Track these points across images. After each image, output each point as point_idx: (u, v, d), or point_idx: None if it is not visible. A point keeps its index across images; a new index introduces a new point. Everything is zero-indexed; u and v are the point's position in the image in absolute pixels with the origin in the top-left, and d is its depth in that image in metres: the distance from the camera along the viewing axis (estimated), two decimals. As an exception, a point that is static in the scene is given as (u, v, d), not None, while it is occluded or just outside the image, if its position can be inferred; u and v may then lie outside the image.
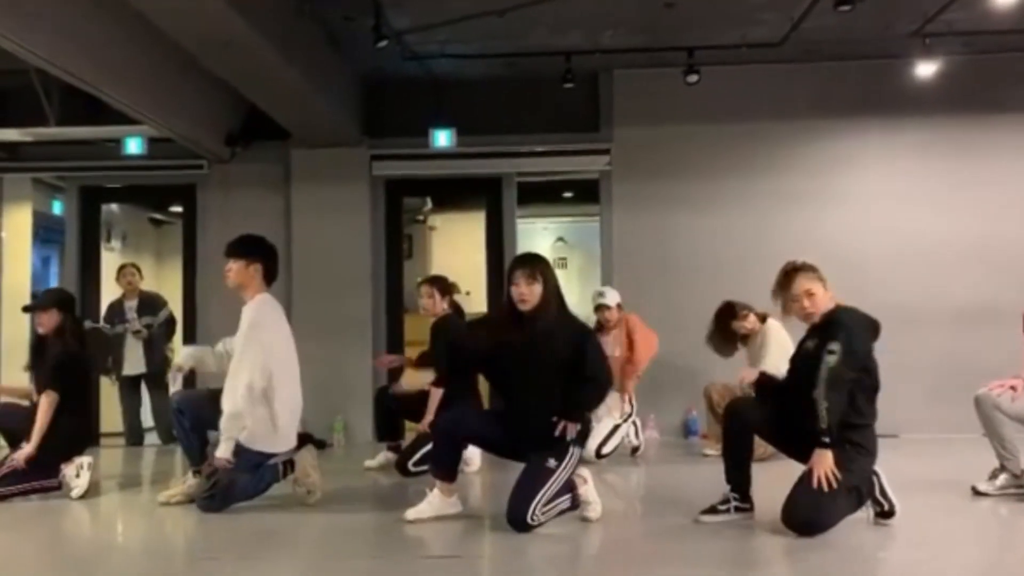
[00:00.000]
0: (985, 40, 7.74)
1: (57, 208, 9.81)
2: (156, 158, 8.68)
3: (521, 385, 4.70)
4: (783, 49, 7.80)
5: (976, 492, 5.24)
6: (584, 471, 4.79)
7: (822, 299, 4.57)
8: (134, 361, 8.40)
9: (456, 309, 6.79)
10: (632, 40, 7.85)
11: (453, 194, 10.66)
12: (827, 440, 4.32)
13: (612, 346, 6.98)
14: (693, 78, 7.93)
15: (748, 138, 8.43)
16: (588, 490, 4.73)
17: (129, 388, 8.50)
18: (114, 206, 10.57)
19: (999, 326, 6.66)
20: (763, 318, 6.93)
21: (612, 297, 7.33)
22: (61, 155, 8.90)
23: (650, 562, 4.20)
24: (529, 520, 4.43)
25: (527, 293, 4.64)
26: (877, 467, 4.56)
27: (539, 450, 4.59)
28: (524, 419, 4.66)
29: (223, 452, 5.07)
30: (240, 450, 5.11)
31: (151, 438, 8.70)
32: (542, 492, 4.47)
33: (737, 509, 4.64)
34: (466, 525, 4.71)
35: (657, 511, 5.24)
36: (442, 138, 8.39)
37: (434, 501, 4.75)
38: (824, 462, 4.32)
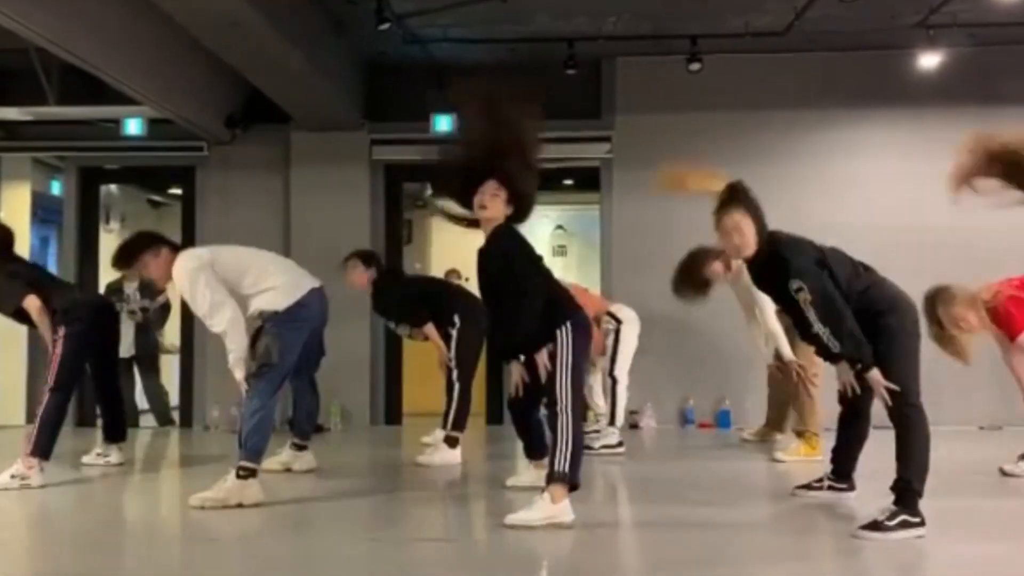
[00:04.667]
0: (989, 32, 7.72)
1: (56, 188, 9.78)
2: (156, 139, 8.67)
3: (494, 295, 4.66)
4: (786, 38, 7.78)
5: (1003, 473, 5.55)
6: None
7: (750, 235, 4.47)
8: (125, 343, 8.38)
9: (389, 271, 6.75)
10: (635, 27, 7.82)
11: (454, 180, 10.60)
12: (860, 365, 4.18)
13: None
14: (696, 66, 7.91)
15: (750, 127, 8.40)
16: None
17: (121, 370, 8.45)
18: (113, 187, 10.55)
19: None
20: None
21: None
22: (60, 135, 8.88)
23: (646, 550, 4.20)
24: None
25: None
26: None
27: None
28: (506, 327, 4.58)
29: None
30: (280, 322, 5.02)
31: (147, 420, 8.70)
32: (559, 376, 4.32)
33: (831, 488, 4.81)
34: (463, 509, 4.72)
35: (654, 500, 5.23)
36: (443, 123, 8.37)
37: (531, 472, 4.98)
38: (877, 381, 4.15)
